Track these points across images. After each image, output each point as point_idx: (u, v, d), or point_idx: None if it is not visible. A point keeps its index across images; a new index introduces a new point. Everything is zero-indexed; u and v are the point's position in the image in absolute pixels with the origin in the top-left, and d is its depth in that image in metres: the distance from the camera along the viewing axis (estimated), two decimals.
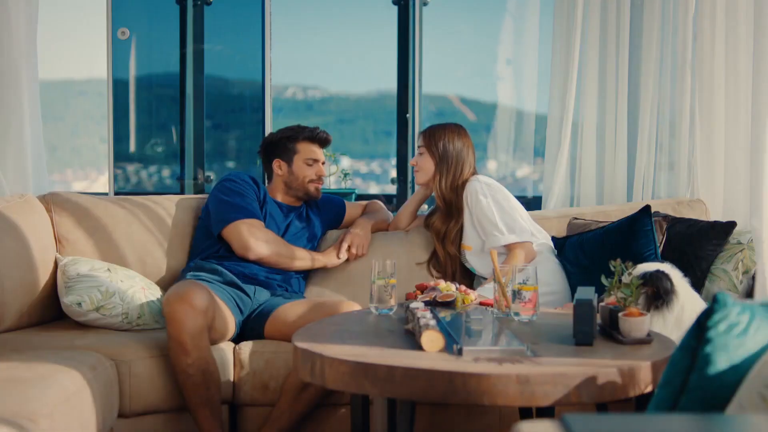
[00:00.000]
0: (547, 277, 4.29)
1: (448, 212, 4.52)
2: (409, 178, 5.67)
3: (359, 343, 3.13)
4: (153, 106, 5.88)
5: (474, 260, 4.48)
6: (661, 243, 4.34)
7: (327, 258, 4.60)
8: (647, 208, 4.28)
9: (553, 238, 4.58)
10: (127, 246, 4.58)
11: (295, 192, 4.63)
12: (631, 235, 4.25)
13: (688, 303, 3.57)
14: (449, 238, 4.53)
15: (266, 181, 4.86)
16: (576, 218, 4.75)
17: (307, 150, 4.61)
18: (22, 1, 5.02)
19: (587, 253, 4.35)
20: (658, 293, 3.53)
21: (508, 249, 4.32)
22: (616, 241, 4.27)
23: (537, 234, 4.47)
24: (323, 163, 4.67)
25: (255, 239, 4.40)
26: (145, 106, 5.82)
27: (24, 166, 5.10)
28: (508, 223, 4.33)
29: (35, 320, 4.30)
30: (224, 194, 4.48)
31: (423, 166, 4.52)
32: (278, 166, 4.63)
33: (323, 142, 4.66)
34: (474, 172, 4.51)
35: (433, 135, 4.51)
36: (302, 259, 4.52)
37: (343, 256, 4.63)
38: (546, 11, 5.29)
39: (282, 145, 4.62)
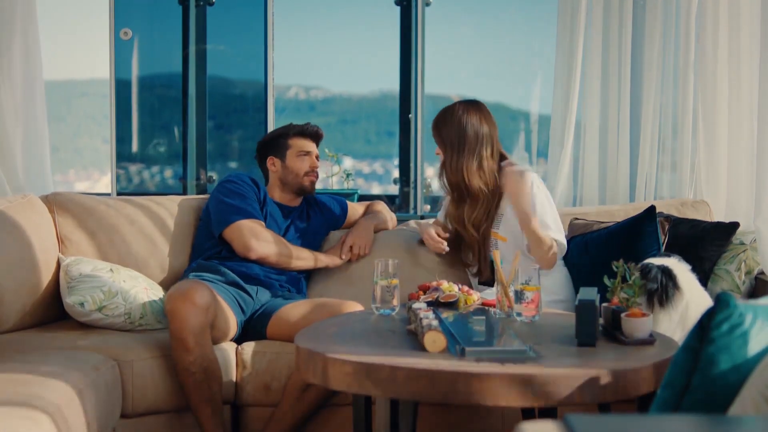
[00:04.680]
0: (555, 286, 4.26)
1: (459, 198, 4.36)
2: (412, 179, 5.67)
3: (362, 343, 3.14)
4: (155, 107, 5.88)
5: (509, 250, 4.28)
6: (663, 243, 4.34)
7: (329, 258, 4.60)
8: (652, 209, 4.27)
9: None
10: (129, 246, 4.58)
11: (291, 187, 4.62)
12: (635, 236, 4.25)
13: (693, 300, 3.57)
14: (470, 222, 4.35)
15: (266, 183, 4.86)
16: (577, 218, 4.74)
17: (298, 144, 4.62)
18: (19, 2, 5.03)
19: (591, 254, 4.35)
20: (659, 292, 3.53)
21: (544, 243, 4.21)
22: (620, 242, 4.27)
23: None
24: (317, 157, 4.67)
25: (256, 239, 4.40)
26: (147, 107, 5.82)
27: (27, 167, 5.10)
28: (555, 220, 4.23)
29: (37, 320, 4.30)
30: (224, 195, 4.49)
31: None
32: (272, 163, 4.64)
33: (314, 136, 4.66)
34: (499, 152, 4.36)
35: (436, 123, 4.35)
36: (304, 259, 4.52)
37: (346, 256, 4.62)
38: (549, 12, 5.28)
39: (274, 142, 4.64)
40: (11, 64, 5.03)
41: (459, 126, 4.28)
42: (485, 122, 4.32)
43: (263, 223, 4.47)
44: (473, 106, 4.35)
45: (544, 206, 4.20)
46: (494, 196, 4.32)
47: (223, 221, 4.44)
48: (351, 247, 4.63)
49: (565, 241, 4.26)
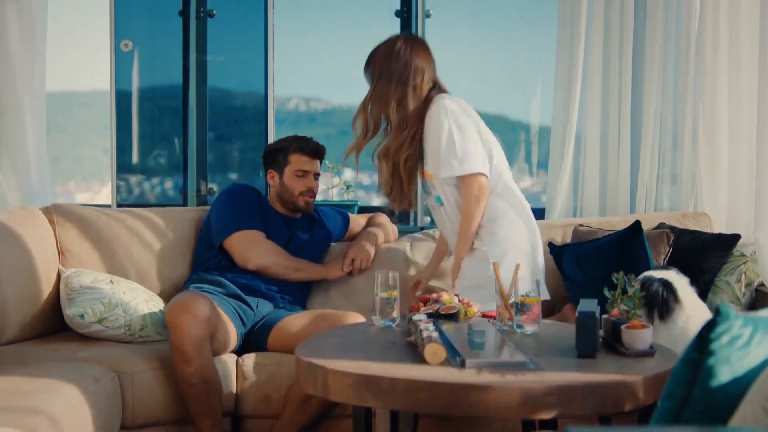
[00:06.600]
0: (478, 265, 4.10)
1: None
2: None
3: (362, 355, 3.14)
4: (156, 118, 5.89)
5: (439, 188, 4.19)
6: (667, 255, 4.34)
7: (329, 270, 4.59)
8: (637, 224, 4.25)
9: (552, 245, 4.55)
10: (129, 258, 4.58)
11: (286, 204, 4.61)
12: (624, 251, 4.22)
13: (694, 314, 3.57)
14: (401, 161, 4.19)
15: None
16: (582, 225, 4.74)
17: (297, 162, 4.57)
18: (27, 15, 5.06)
19: (583, 268, 4.34)
20: (660, 305, 3.53)
21: (460, 181, 4.10)
22: (610, 257, 4.23)
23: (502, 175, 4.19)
24: (317, 175, 4.61)
25: (255, 250, 4.40)
26: (147, 118, 5.83)
27: (27, 178, 5.11)
28: (460, 153, 4.04)
29: (37, 332, 4.30)
30: (225, 206, 4.49)
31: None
32: (271, 177, 4.62)
33: (314, 153, 4.59)
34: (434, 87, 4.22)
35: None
36: (303, 270, 4.51)
37: (347, 269, 4.60)
38: (549, 23, 5.29)
39: (275, 156, 4.61)
40: (19, 75, 5.05)
41: (389, 57, 4.18)
42: (418, 55, 4.20)
43: (263, 234, 4.46)
44: (409, 39, 4.27)
45: (452, 143, 4.06)
46: (417, 127, 4.17)
47: (223, 232, 4.44)
48: (353, 260, 4.62)
49: (484, 169, 4.08)
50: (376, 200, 5.95)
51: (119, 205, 5.65)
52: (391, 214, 4.92)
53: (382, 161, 4.23)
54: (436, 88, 4.23)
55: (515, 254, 4.04)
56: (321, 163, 4.64)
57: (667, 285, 3.57)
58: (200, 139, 5.74)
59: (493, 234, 4.09)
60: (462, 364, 2.88)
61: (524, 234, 4.18)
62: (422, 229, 5.34)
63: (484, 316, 3.67)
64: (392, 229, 4.89)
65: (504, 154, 4.26)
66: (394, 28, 5.63)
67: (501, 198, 4.16)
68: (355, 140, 4.26)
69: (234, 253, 4.42)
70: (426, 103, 4.16)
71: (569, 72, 5.09)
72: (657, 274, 3.65)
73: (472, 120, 4.14)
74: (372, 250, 4.68)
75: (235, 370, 4.13)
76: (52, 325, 4.36)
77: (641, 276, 3.64)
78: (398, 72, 4.16)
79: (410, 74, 4.16)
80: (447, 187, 4.16)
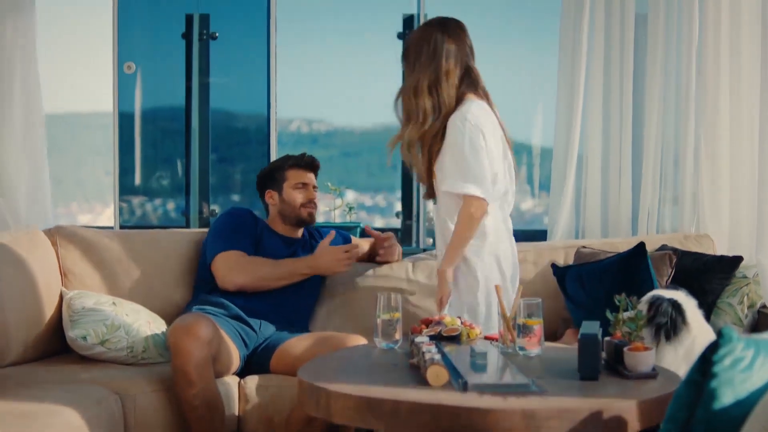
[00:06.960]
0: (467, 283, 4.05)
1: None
2: (414, 212, 5.67)
3: (364, 377, 3.13)
4: (158, 140, 5.90)
5: (436, 190, 4.10)
6: (669, 277, 4.34)
7: (317, 260, 4.46)
8: (641, 245, 4.25)
9: (554, 266, 4.55)
10: (132, 279, 4.58)
11: (290, 220, 4.61)
12: (627, 273, 4.22)
13: (700, 337, 3.57)
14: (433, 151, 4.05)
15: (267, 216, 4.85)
16: (584, 247, 4.74)
17: (295, 176, 4.61)
18: (20, 34, 5.08)
19: (586, 288, 4.33)
20: (668, 325, 3.53)
21: (460, 198, 3.97)
22: (614, 279, 4.23)
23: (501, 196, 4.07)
24: (314, 188, 4.65)
25: (229, 269, 4.37)
26: (150, 140, 5.84)
27: (29, 200, 5.12)
28: (466, 172, 3.94)
29: (40, 354, 4.30)
30: (217, 229, 4.51)
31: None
32: (270, 197, 4.64)
33: (309, 166, 4.64)
34: (462, 77, 4.08)
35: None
36: (288, 277, 4.45)
37: (384, 235, 4.71)
38: (550, 45, 5.30)
39: (271, 176, 4.64)
40: (12, 97, 5.07)
41: (420, 42, 4.07)
42: (449, 38, 4.07)
43: (243, 253, 4.43)
44: (442, 23, 4.13)
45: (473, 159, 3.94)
46: (444, 119, 4.02)
47: (210, 255, 4.45)
48: (388, 237, 4.73)
49: (488, 195, 3.95)
50: (378, 221, 5.96)
51: (122, 227, 5.66)
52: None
53: (414, 148, 4.09)
54: (470, 77, 4.10)
55: (494, 277, 4.00)
56: (316, 176, 4.67)
57: (676, 306, 3.58)
58: (203, 161, 5.75)
59: (468, 263, 4.02)
60: (464, 387, 2.87)
61: (506, 254, 4.08)
62: (424, 250, 5.35)
63: (486, 338, 3.67)
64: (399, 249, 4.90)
65: (515, 172, 4.18)
66: (396, 49, 5.64)
67: (496, 207, 4.07)
68: (400, 130, 4.12)
69: (216, 278, 4.42)
70: (458, 97, 4.04)
71: (571, 93, 5.10)
72: (666, 294, 3.65)
73: (489, 137, 3.98)
74: (400, 252, 4.82)
75: (238, 392, 4.13)
76: (55, 347, 4.36)
77: (650, 295, 3.64)
78: (429, 56, 4.04)
79: (441, 59, 4.04)
80: (443, 197, 4.07)
